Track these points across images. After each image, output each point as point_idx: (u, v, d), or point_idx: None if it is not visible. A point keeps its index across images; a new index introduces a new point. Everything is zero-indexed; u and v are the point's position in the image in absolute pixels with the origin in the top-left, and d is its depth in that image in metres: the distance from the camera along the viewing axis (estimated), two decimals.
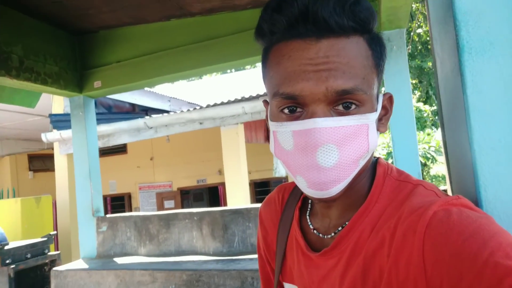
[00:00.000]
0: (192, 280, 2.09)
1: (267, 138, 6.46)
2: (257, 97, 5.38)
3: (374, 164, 0.59)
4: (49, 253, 3.49)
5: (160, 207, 8.67)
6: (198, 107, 5.95)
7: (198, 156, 8.47)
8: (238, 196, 5.47)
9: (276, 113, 0.53)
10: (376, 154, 0.61)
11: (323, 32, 0.48)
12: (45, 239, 3.51)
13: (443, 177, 12.52)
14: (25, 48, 2.26)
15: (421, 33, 12.02)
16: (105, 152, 8.38)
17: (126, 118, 6.19)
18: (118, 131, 5.89)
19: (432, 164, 11.48)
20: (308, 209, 0.65)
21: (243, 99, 5.42)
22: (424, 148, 11.01)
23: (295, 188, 0.70)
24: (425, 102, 12.75)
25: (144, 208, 8.90)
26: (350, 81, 0.48)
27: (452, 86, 0.63)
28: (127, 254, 2.67)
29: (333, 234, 0.58)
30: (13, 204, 5.68)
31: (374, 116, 0.52)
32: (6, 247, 3.12)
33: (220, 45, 2.35)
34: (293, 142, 0.51)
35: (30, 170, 9.40)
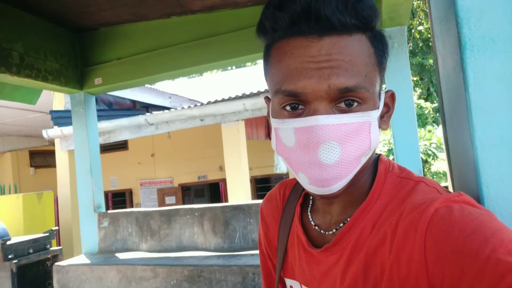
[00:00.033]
0: (194, 276, 2.10)
1: (268, 135, 6.46)
2: (258, 94, 5.37)
3: (375, 161, 0.59)
4: (51, 249, 3.51)
5: (161, 203, 8.69)
6: (199, 104, 5.94)
7: (199, 152, 8.47)
8: (239, 192, 5.48)
9: (278, 110, 0.53)
10: (377, 151, 0.61)
11: (325, 29, 0.48)
12: (47, 234, 3.53)
13: (444, 174, 12.52)
14: (25, 45, 2.26)
15: (422, 30, 11.97)
16: (106, 148, 8.39)
17: (127, 114, 6.19)
18: (119, 128, 5.89)
19: (433, 160, 11.48)
20: (310, 205, 0.66)
21: (244, 96, 5.41)
22: (425, 145, 11.00)
23: (296, 184, 0.70)
24: (426, 99, 12.73)
25: (145, 204, 8.92)
26: (353, 79, 0.48)
27: (454, 83, 0.63)
28: (129, 250, 2.68)
29: (334, 230, 0.58)
30: (15, 200, 5.70)
31: (376, 113, 0.52)
32: (8, 243, 3.14)
33: (220, 43, 2.34)
34: (295, 139, 0.51)
35: (31, 166, 9.42)
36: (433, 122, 12.85)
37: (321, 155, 0.49)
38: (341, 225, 0.58)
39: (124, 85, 2.77)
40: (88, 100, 2.79)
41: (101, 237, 2.75)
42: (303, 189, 0.68)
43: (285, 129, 0.52)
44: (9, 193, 8.29)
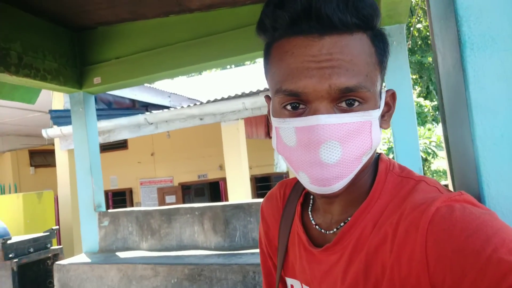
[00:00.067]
0: (194, 274, 2.11)
1: (267, 134, 6.46)
2: (257, 92, 5.37)
3: (376, 160, 0.59)
4: (52, 248, 3.51)
5: (162, 202, 8.69)
6: (198, 103, 5.94)
7: (198, 151, 8.47)
8: (239, 191, 5.48)
9: (278, 109, 0.53)
10: (377, 150, 0.61)
11: (326, 29, 0.48)
12: (48, 233, 3.53)
13: (444, 172, 12.54)
14: (24, 45, 2.25)
15: (421, 28, 11.96)
16: (105, 147, 8.39)
17: (127, 114, 6.19)
18: (119, 127, 5.88)
19: (433, 159, 11.49)
20: (310, 204, 0.66)
21: (243, 95, 5.41)
22: (425, 143, 11.01)
23: (296, 183, 0.70)
24: (425, 97, 12.73)
25: (146, 203, 8.93)
26: (354, 79, 0.48)
27: (454, 82, 0.63)
28: (129, 249, 2.68)
29: (335, 229, 0.58)
30: (15, 199, 5.70)
31: (377, 113, 0.52)
32: (9, 242, 3.14)
33: (219, 41, 2.34)
34: (296, 139, 0.51)
35: (31, 165, 9.41)
36: (433, 120, 12.85)
37: (322, 154, 0.49)
38: (342, 224, 0.58)
39: (123, 84, 2.76)
40: (88, 99, 2.79)
41: (102, 236, 2.75)
42: (304, 188, 0.68)
43: (286, 128, 0.52)
44: (9, 192, 8.29)
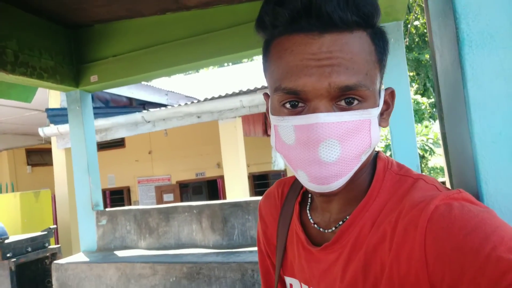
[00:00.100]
0: (193, 273, 2.11)
1: (265, 132, 6.46)
2: (255, 90, 5.36)
3: (374, 158, 0.59)
4: (50, 247, 3.50)
5: (159, 200, 8.69)
6: (195, 101, 5.93)
7: (196, 149, 8.46)
8: (237, 189, 5.48)
9: (277, 107, 0.53)
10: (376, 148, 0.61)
11: (326, 27, 0.48)
12: (45, 232, 3.52)
13: (441, 169, 12.58)
14: (19, 43, 2.24)
15: (418, 25, 11.97)
16: (103, 146, 8.36)
17: (124, 112, 6.16)
18: (116, 125, 5.87)
19: (430, 156, 11.53)
20: (308, 203, 0.65)
21: (241, 93, 5.40)
22: (422, 140, 11.05)
23: (294, 182, 0.70)
24: (422, 95, 12.75)
25: (143, 201, 8.92)
26: (353, 77, 0.48)
27: (452, 79, 0.63)
28: (127, 248, 2.68)
29: (333, 228, 0.58)
30: (12, 198, 5.67)
31: (376, 111, 0.52)
32: (6, 241, 3.12)
33: (217, 39, 2.33)
34: (295, 137, 0.50)
35: (28, 164, 9.38)
36: (430, 117, 12.89)
37: (321, 153, 0.49)
38: (341, 223, 0.58)
39: (120, 82, 2.75)
40: (84, 97, 2.77)
41: (100, 235, 2.75)
42: (302, 187, 0.67)
43: (285, 126, 0.51)
44: (6, 191, 8.25)
